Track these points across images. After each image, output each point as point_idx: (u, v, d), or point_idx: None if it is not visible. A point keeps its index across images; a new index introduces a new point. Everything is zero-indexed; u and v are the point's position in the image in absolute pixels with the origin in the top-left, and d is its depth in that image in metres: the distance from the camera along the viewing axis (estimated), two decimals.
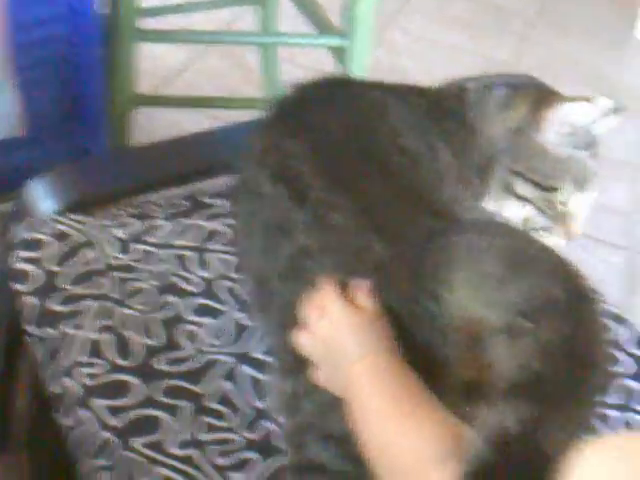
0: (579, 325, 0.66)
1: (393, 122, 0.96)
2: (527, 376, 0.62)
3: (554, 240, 1.01)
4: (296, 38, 1.84)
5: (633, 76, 2.65)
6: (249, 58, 2.27)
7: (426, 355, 0.68)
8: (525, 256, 0.70)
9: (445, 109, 1.02)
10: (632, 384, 1.08)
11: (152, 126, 2.05)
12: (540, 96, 1.01)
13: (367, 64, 1.71)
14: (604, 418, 1.03)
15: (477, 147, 1.00)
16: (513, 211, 0.99)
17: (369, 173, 0.85)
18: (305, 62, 2.29)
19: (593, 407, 0.67)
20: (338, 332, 0.68)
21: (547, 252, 0.75)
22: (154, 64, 2.24)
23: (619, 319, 1.18)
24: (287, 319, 0.82)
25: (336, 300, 0.69)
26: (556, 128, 0.97)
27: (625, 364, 1.11)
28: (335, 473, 0.77)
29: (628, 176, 2.25)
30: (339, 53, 1.73)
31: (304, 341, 0.71)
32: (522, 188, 0.98)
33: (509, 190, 0.98)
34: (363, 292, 0.69)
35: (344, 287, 0.70)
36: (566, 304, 0.66)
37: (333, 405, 0.70)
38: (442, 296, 0.68)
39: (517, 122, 0.99)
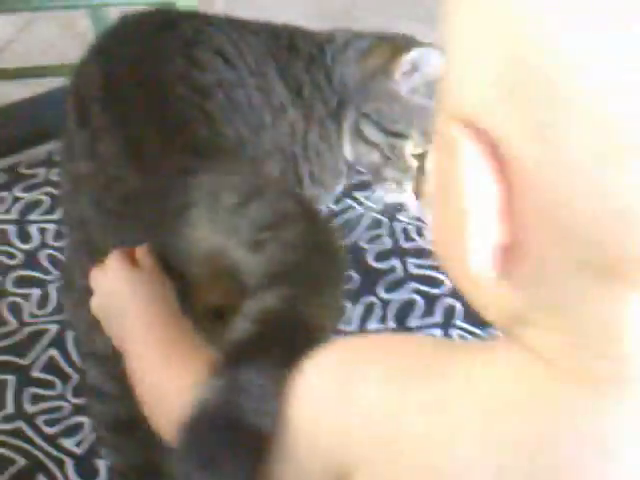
0: (315, 225, 0.70)
1: (197, 54, 0.94)
2: (279, 268, 0.65)
3: (405, 196, 1.01)
4: None
5: None
6: (81, 23, 2.22)
7: (178, 285, 0.71)
8: (258, 186, 0.73)
9: (298, 51, 1.02)
10: (451, 301, 1.13)
11: None
12: (401, 45, 1.00)
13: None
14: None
15: (332, 91, 1.00)
16: (364, 156, 1.00)
17: (146, 104, 0.84)
18: None
19: (342, 288, 0.70)
20: (117, 285, 0.69)
21: (282, 186, 0.81)
22: None
23: None
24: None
25: (117, 259, 0.71)
26: (406, 75, 0.97)
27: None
28: (107, 395, 0.80)
29: None
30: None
31: (92, 301, 0.72)
32: (370, 132, 0.98)
33: (359, 134, 0.99)
34: (141, 251, 0.71)
35: (125, 249, 0.72)
36: (300, 214, 0.69)
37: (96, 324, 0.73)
38: (185, 233, 0.71)
39: (373, 68, 0.99)
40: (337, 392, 0.47)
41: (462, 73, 0.39)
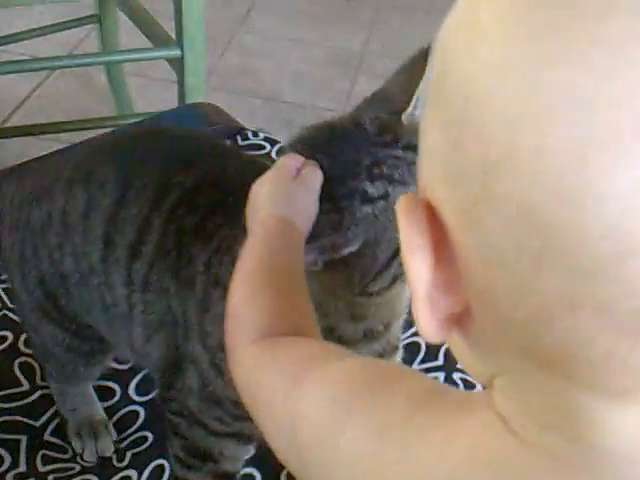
0: None
1: None
2: None
3: None
4: (131, 54, 1.84)
5: None
6: (98, 78, 2.26)
7: None
8: None
9: None
10: None
11: (1, 157, 2.03)
12: None
13: (202, 71, 1.72)
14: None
15: None
16: None
17: None
18: (155, 74, 2.29)
19: None
20: (264, 181, 0.70)
21: None
22: (0, 94, 2.22)
23: None
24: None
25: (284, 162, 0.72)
26: None
27: None
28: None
29: None
30: (176, 64, 1.74)
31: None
32: None
33: None
34: (310, 166, 0.71)
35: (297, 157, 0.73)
36: None
37: None
38: None
39: None
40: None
41: (420, 148, 0.41)
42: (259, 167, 0.79)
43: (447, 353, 1.10)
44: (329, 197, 0.71)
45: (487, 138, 0.34)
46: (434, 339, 0.40)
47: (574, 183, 0.32)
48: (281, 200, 0.69)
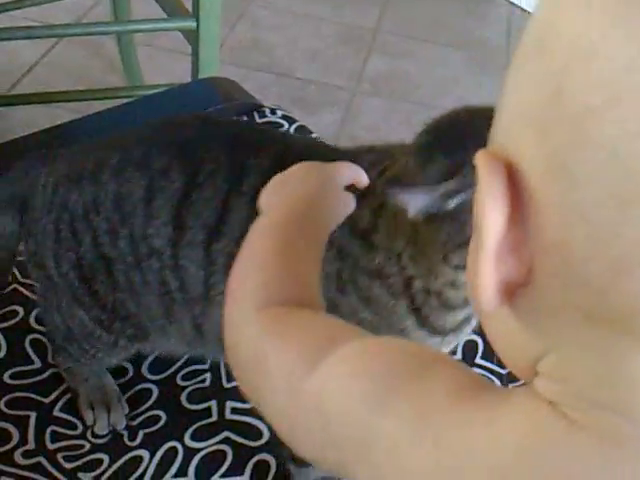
0: None
1: None
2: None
3: None
4: (144, 24, 1.81)
5: (494, 33, 2.69)
6: (108, 46, 2.23)
7: None
8: None
9: None
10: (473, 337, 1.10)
11: (9, 125, 2.00)
12: None
13: (217, 44, 1.69)
14: None
15: None
16: None
17: None
18: (165, 44, 2.26)
19: None
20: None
21: None
22: (8, 60, 2.18)
23: None
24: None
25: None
26: None
27: None
28: None
29: None
30: (190, 35, 1.71)
31: None
32: None
33: None
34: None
35: None
36: None
37: None
38: None
39: None
40: None
41: (501, 109, 0.41)
42: (322, 148, 0.85)
43: (465, 347, 1.08)
44: (442, 147, 0.75)
45: (592, 84, 0.35)
46: (490, 302, 0.40)
47: None
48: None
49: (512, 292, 0.40)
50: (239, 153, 0.91)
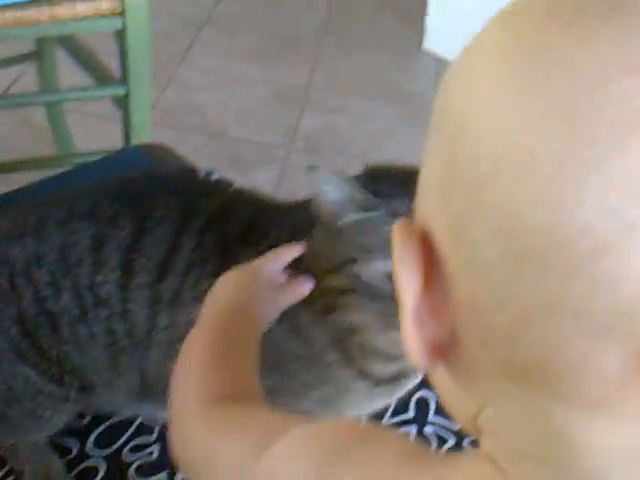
0: None
1: None
2: None
3: None
4: (73, 93, 1.79)
5: (423, 86, 2.74)
6: (35, 115, 2.20)
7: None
8: None
9: None
10: (424, 393, 1.10)
11: None
12: None
13: (148, 109, 1.69)
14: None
15: None
16: None
17: None
18: (94, 110, 2.24)
19: None
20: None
21: None
22: None
23: None
24: None
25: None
26: None
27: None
28: None
29: None
30: (120, 101, 1.70)
31: None
32: None
33: None
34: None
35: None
36: None
37: None
38: None
39: None
40: None
41: (419, 177, 0.44)
42: (263, 200, 0.94)
43: (418, 405, 1.07)
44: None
45: (479, 152, 0.38)
46: (419, 362, 0.42)
47: (555, 188, 0.35)
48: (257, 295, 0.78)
49: (442, 352, 0.42)
50: (188, 198, 0.93)
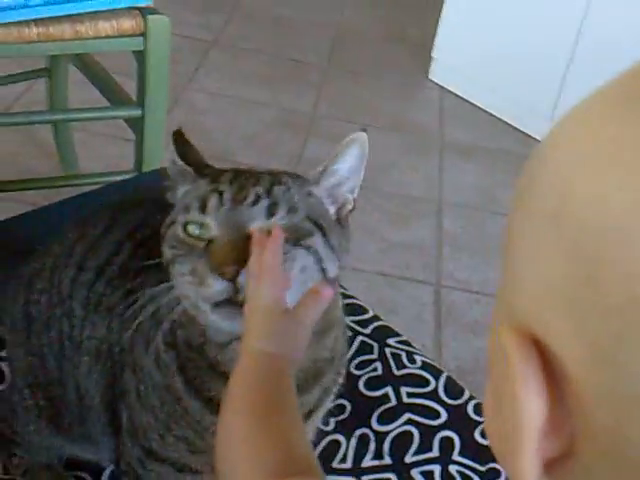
0: None
1: None
2: None
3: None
4: (85, 113, 1.77)
5: (428, 116, 2.74)
6: (42, 133, 2.18)
7: None
8: None
9: None
10: (449, 433, 1.08)
11: None
12: None
13: (162, 132, 1.67)
14: (429, 475, 1.02)
15: None
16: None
17: None
18: (99, 129, 2.22)
19: None
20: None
21: None
22: None
23: (433, 370, 1.19)
24: None
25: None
26: None
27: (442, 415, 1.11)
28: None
29: (430, 212, 2.31)
30: (134, 123, 1.68)
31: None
32: None
33: None
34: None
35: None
36: None
37: None
38: None
39: None
40: None
41: (518, 281, 0.38)
42: None
43: (442, 443, 1.05)
44: None
45: (633, 276, 0.32)
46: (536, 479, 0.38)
47: None
48: (274, 337, 0.71)
49: (550, 465, 0.38)
50: (150, 214, 0.92)
